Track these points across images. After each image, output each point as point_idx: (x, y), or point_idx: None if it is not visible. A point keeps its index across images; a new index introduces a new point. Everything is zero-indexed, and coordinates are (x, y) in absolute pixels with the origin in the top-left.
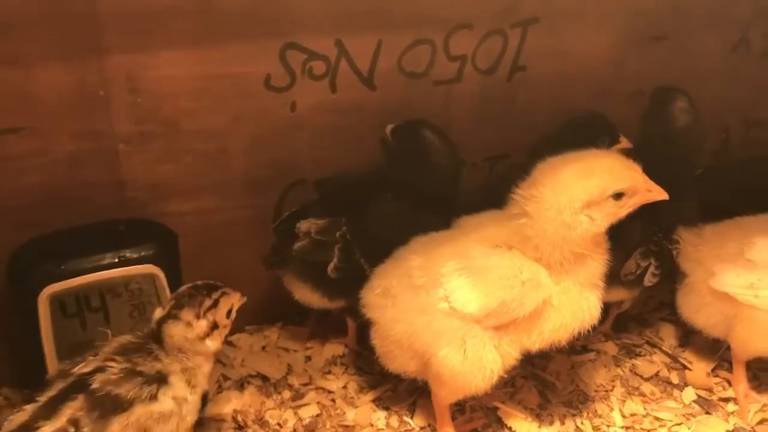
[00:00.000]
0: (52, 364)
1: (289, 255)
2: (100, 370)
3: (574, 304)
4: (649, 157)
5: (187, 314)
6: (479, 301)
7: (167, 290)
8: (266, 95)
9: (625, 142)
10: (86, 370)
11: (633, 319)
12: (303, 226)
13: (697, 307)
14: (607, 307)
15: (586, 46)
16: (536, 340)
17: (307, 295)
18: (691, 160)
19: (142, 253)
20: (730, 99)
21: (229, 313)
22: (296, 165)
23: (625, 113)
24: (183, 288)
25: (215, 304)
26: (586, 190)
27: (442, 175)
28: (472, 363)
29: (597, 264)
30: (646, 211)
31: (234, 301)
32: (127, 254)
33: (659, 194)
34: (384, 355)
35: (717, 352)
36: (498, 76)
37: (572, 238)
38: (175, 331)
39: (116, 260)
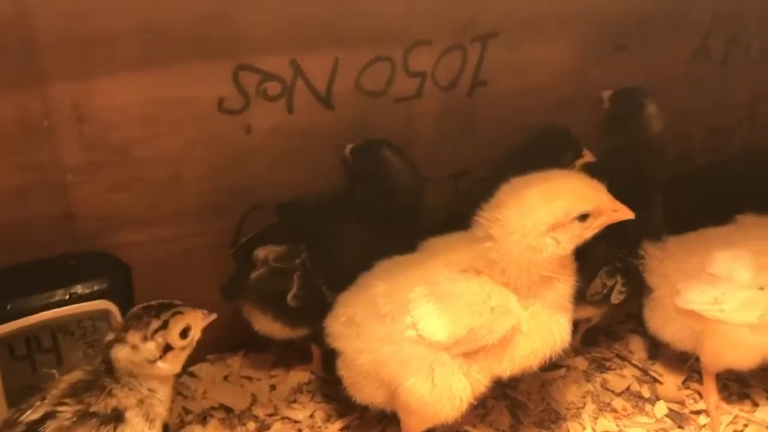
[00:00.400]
0: (0, 410)
1: (247, 284)
2: (50, 416)
3: (544, 328)
4: (614, 168)
5: (133, 336)
6: (447, 328)
7: None
8: (220, 119)
9: (588, 156)
10: (35, 417)
11: (602, 332)
12: (260, 253)
13: (664, 322)
14: (575, 322)
15: (547, 59)
16: (507, 367)
17: (267, 326)
18: (658, 168)
19: (95, 288)
20: (692, 106)
21: (185, 333)
22: (254, 189)
23: (589, 125)
24: (134, 308)
25: (165, 324)
26: (551, 213)
27: (404, 195)
28: (441, 392)
29: (565, 286)
30: (611, 227)
31: (191, 320)
32: (79, 290)
33: (625, 214)
34: (351, 386)
35: (686, 362)
36: (459, 91)
37: (538, 262)
38: (121, 355)
39: (67, 297)
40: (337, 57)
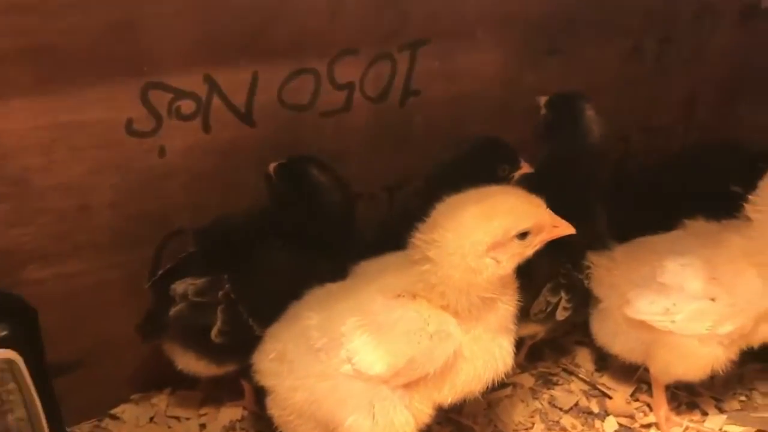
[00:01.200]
0: None
1: (166, 321)
2: None
3: (486, 353)
4: (554, 177)
5: None
6: (385, 360)
7: (28, 378)
8: (129, 142)
9: (526, 167)
10: None
11: (547, 345)
12: (179, 287)
13: (613, 334)
14: (520, 339)
15: (479, 66)
16: (448, 394)
17: (191, 364)
18: (598, 174)
19: None
20: (628, 108)
21: None
22: (171, 216)
23: (525, 132)
24: None
25: None
26: (490, 233)
27: (334, 213)
28: (383, 428)
29: (507, 307)
30: (554, 241)
31: None
32: None
33: (565, 229)
34: (284, 426)
35: (635, 373)
36: (390, 102)
37: (479, 283)
38: None
39: None
40: (255, 71)
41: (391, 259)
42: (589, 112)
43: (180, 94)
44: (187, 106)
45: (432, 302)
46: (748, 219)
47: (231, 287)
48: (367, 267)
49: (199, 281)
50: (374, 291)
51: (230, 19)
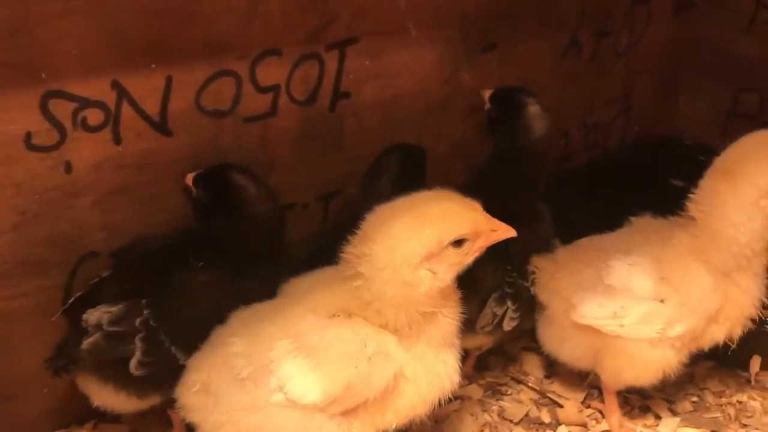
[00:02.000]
0: None
1: (79, 354)
2: None
3: (430, 372)
4: (497, 176)
5: None
6: (320, 387)
7: None
8: (29, 157)
9: None
10: None
11: (494, 353)
12: (91, 317)
13: (560, 341)
14: (466, 351)
15: (413, 64)
16: (392, 420)
17: (110, 399)
18: (542, 173)
19: None
20: (567, 104)
21: None
22: (83, 237)
23: (463, 131)
24: None
25: None
26: (422, 243)
27: (260, 226)
28: None
29: (450, 320)
30: (497, 247)
31: None
32: None
33: (505, 232)
34: None
35: (585, 378)
36: (319, 105)
37: (416, 298)
38: None
39: None
40: (169, 75)
41: (324, 274)
42: (534, 107)
43: (85, 102)
44: (94, 115)
45: (369, 321)
46: (693, 217)
47: (150, 313)
48: (298, 284)
49: (115, 308)
50: (306, 310)
51: (137, 19)
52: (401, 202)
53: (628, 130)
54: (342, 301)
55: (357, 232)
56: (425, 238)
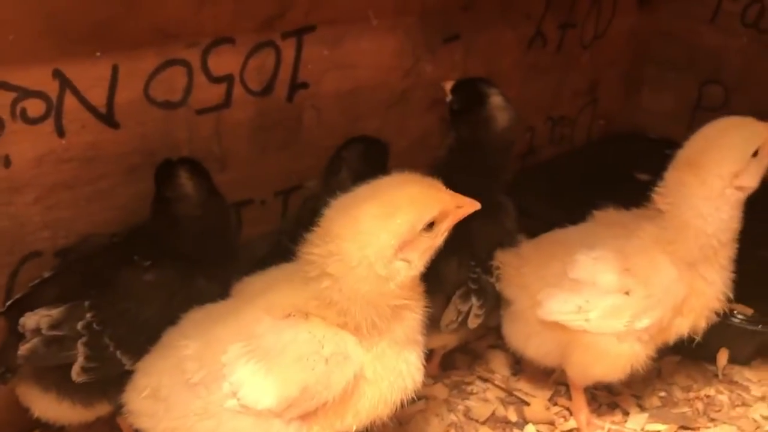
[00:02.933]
0: None
1: (16, 361)
2: None
3: (391, 372)
4: (459, 169)
5: None
6: (276, 391)
7: None
8: None
9: None
10: None
11: (460, 351)
12: (29, 321)
13: (526, 337)
14: (431, 350)
15: (373, 54)
16: (352, 422)
17: (52, 409)
18: (505, 166)
19: None
20: (532, 97)
21: None
22: (25, 235)
23: (426, 123)
24: None
25: None
26: (395, 233)
27: (209, 225)
28: None
29: (415, 315)
30: (460, 242)
31: None
32: None
33: (471, 206)
34: None
35: (551, 376)
36: (276, 96)
37: (390, 291)
38: None
39: None
40: (115, 64)
41: (279, 273)
42: (496, 97)
43: (24, 93)
44: (34, 106)
45: (327, 320)
46: (659, 210)
47: (94, 316)
48: (252, 284)
49: (55, 311)
50: (260, 311)
51: (78, 4)
52: (361, 193)
53: (594, 123)
54: (298, 300)
55: (317, 229)
56: (397, 228)
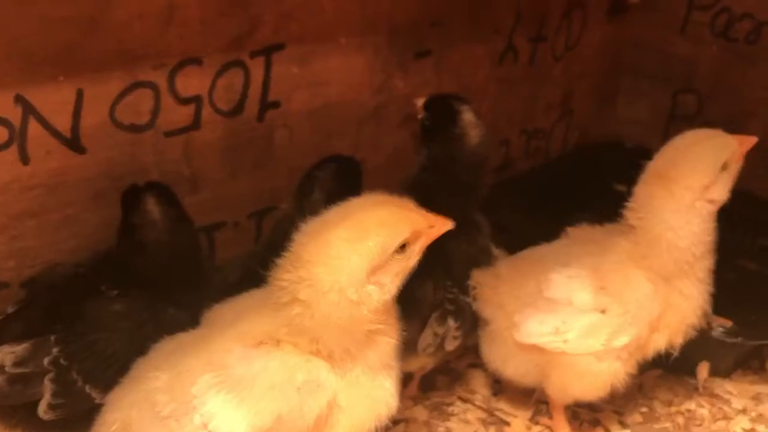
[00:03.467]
0: None
1: None
2: None
3: (366, 398)
4: (432, 186)
5: None
6: (248, 422)
7: None
8: None
9: None
10: None
11: (440, 372)
12: None
13: (504, 358)
14: (409, 373)
15: (344, 71)
16: None
17: None
18: (479, 183)
19: None
20: (506, 110)
21: None
22: None
23: (400, 140)
24: None
25: None
26: (366, 257)
27: (177, 252)
28: None
29: (389, 339)
30: (435, 263)
31: None
32: None
33: (444, 225)
34: None
35: (532, 394)
36: (246, 116)
37: (363, 316)
38: None
39: None
40: (79, 88)
41: (250, 299)
42: (468, 114)
43: None
44: None
45: (300, 348)
46: (631, 225)
47: (60, 351)
48: (222, 311)
49: (19, 348)
50: (231, 340)
51: (40, 28)
52: (331, 216)
53: (569, 135)
54: (270, 328)
55: (288, 254)
56: (368, 251)
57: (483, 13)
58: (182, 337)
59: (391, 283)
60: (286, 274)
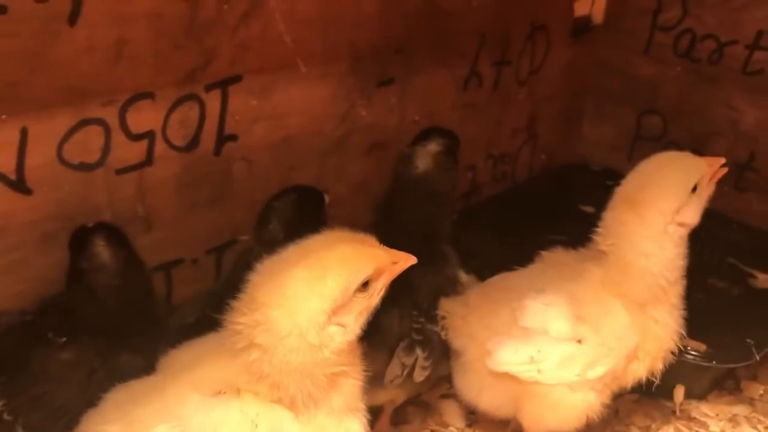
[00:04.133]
0: None
1: None
2: None
3: None
4: (395, 218)
5: None
6: None
7: None
8: None
9: None
10: None
11: (412, 404)
12: None
13: (478, 389)
14: (379, 408)
15: (304, 102)
16: None
17: None
18: (443, 208)
19: None
20: (471, 136)
21: None
22: None
23: (366, 169)
24: None
25: None
26: (327, 297)
27: (129, 295)
28: None
29: (353, 381)
30: (401, 292)
31: None
32: None
33: (407, 261)
34: None
35: (507, 425)
36: (202, 150)
37: (325, 359)
38: None
39: None
40: (24, 126)
41: (207, 344)
42: (427, 144)
43: None
44: None
45: (261, 396)
46: (603, 251)
47: (4, 405)
48: (178, 357)
49: None
50: (187, 388)
51: None
52: (288, 254)
53: (535, 159)
54: (228, 375)
55: (243, 296)
56: (329, 291)
57: (447, 39)
58: (135, 385)
59: (354, 323)
60: (242, 317)
